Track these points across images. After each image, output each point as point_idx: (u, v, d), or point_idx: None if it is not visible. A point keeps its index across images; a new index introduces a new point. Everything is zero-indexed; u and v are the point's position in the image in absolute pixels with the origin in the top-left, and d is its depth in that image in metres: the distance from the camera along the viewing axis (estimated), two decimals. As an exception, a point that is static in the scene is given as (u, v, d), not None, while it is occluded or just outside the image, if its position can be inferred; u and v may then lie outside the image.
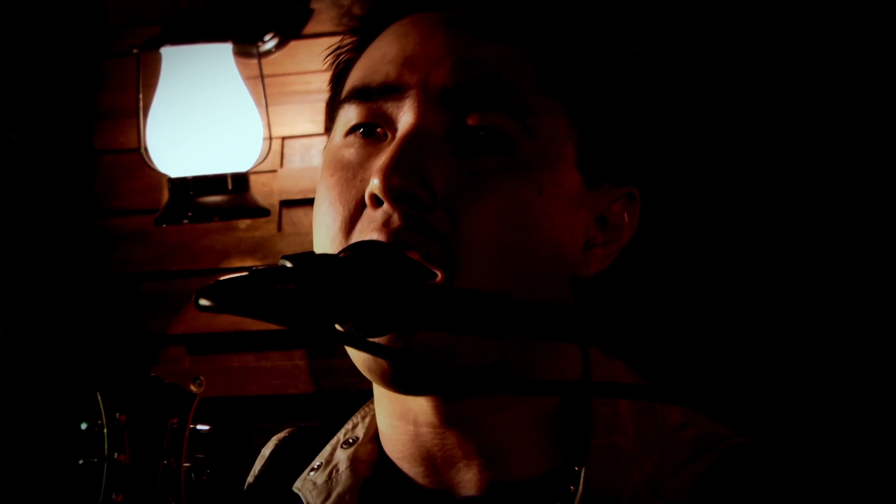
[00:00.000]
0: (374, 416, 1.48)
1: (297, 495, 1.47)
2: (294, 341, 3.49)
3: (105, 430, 1.56)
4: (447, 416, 1.39)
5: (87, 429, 1.58)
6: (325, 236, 1.37)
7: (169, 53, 3.39)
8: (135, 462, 1.55)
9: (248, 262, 3.54)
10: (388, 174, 1.32)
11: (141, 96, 3.42)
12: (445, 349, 1.33)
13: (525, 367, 1.39)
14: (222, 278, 1.17)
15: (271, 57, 3.55)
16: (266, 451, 1.57)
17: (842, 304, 3.04)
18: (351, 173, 1.37)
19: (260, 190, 3.49)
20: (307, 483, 1.47)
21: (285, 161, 3.54)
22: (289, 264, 1.19)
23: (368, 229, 1.34)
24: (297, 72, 3.55)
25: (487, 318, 1.18)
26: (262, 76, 3.45)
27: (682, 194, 3.11)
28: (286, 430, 1.59)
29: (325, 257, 1.23)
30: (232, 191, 3.38)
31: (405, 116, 1.36)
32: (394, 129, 1.37)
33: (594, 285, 1.43)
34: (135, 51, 3.42)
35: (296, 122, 3.54)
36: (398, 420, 1.42)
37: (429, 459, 1.41)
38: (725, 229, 3.12)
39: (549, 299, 1.36)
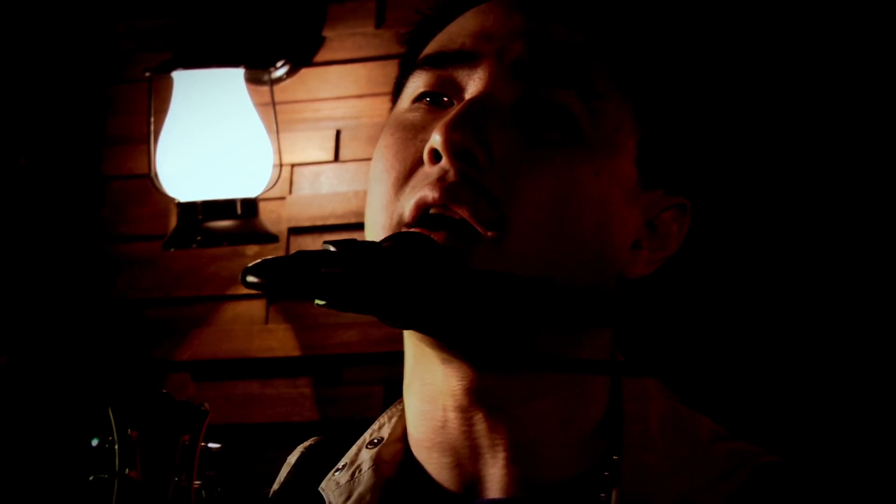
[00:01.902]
0: (401, 417, 1.48)
1: (321, 496, 1.47)
2: (299, 369, 3.48)
3: (116, 447, 1.56)
4: (476, 398, 1.38)
5: (97, 445, 1.57)
6: (378, 194, 1.39)
7: (180, 78, 3.40)
8: (146, 478, 1.54)
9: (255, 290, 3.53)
10: (451, 129, 1.34)
11: (152, 120, 3.43)
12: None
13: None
14: (268, 257, 1.20)
15: (282, 84, 3.55)
16: (292, 458, 1.57)
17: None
18: (412, 133, 1.39)
19: (268, 217, 3.48)
20: (331, 483, 1.47)
21: (294, 188, 3.54)
22: (333, 248, 1.21)
23: (421, 185, 1.35)
24: (307, 99, 3.55)
25: (527, 304, 1.20)
26: (273, 103, 3.45)
27: (732, 209, 3.07)
28: (312, 439, 1.58)
29: (367, 245, 1.25)
30: (241, 216, 3.38)
31: (474, 84, 1.39)
32: (461, 98, 1.39)
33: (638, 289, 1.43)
34: (147, 74, 3.42)
35: (306, 150, 3.54)
36: (428, 405, 1.41)
37: (455, 449, 1.41)
38: (773, 243, 3.09)
39: (592, 284, 1.37)
